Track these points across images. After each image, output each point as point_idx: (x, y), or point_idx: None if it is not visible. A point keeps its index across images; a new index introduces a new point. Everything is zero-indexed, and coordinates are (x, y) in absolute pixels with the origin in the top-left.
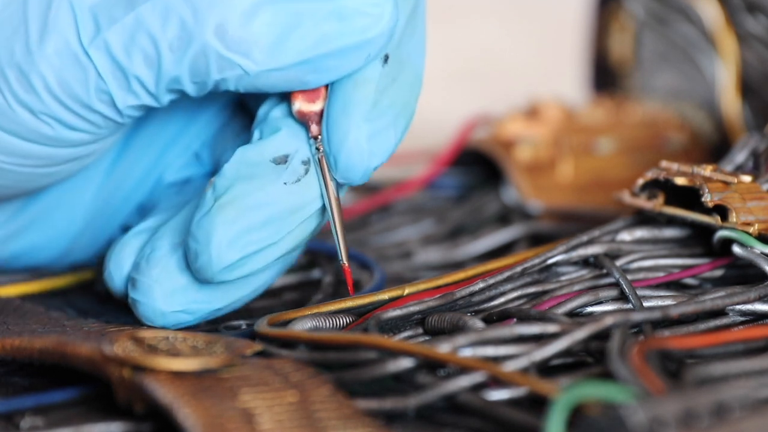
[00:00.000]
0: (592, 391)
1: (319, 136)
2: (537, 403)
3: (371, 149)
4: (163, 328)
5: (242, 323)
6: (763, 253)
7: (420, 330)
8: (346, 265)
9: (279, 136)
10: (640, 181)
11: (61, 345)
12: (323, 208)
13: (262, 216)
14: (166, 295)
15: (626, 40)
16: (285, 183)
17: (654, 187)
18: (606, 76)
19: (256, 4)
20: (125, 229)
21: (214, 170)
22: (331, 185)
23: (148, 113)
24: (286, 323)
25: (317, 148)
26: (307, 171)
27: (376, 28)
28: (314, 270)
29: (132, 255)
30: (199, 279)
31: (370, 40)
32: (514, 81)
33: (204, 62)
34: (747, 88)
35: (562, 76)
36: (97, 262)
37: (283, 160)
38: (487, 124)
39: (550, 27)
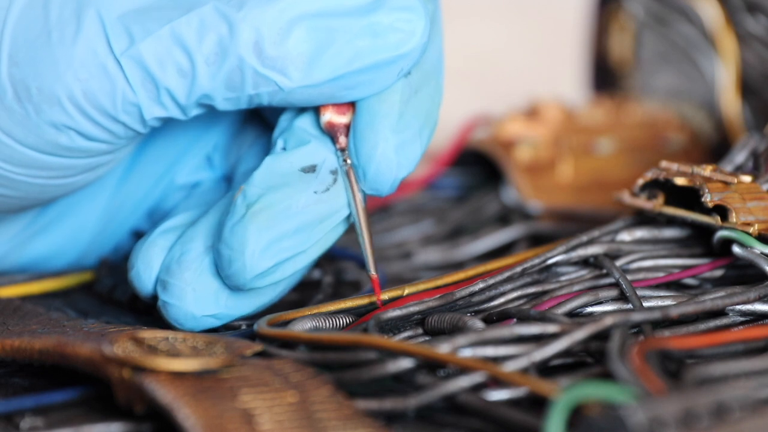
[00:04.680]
0: (592, 392)
1: (347, 148)
2: (537, 404)
3: (399, 160)
4: (190, 330)
5: (242, 323)
6: (763, 253)
7: (420, 330)
8: (375, 275)
9: (308, 146)
10: (640, 182)
11: (61, 346)
12: (349, 216)
13: (294, 224)
14: (199, 299)
15: (626, 40)
16: (315, 192)
17: (654, 187)
18: (606, 76)
19: (292, 21)
20: (135, 233)
21: (225, 175)
22: (359, 196)
23: (165, 122)
24: (286, 323)
25: (345, 160)
26: (335, 180)
27: (410, 43)
28: (314, 270)
29: (160, 254)
30: (230, 285)
31: (404, 56)
32: (514, 81)
33: (239, 77)
34: (747, 88)
35: (562, 76)
36: (99, 263)
37: (311, 170)
38: (487, 125)
39: (550, 27)
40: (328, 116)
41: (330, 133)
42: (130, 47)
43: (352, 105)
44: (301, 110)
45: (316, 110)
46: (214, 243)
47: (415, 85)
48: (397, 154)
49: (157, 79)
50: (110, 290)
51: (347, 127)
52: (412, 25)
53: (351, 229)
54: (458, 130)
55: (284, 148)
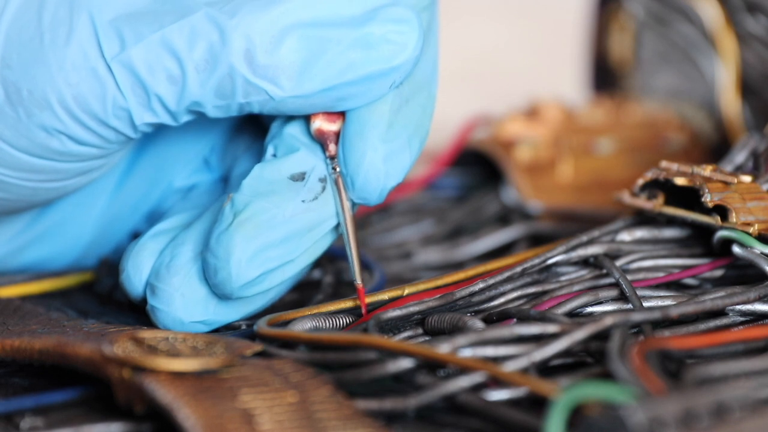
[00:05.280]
0: (592, 392)
1: (336, 156)
2: (537, 404)
3: (387, 170)
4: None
5: (242, 323)
6: (763, 253)
7: (420, 330)
8: (361, 285)
9: (297, 154)
10: (640, 182)
11: (60, 346)
12: (338, 225)
13: (281, 233)
14: (187, 305)
15: (626, 40)
16: (303, 200)
17: (654, 187)
18: (606, 76)
19: (284, 30)
20: (134, 235)
21: (222, 177)
22: (347, 205)
23: (161, 126)
24: (286, 323)
25: (334, 168)
26: (323, 188)
27: (402, 56)
28: (314, 270)
29: (151, 258)
30: (217, 294)
31: (396, 68)
32: (514, 81)
33: (230, 85)
34: (747, 88)
35: (562, 76)
36: (99, 263)
37: (300, 178)
38: (487, 125)
39: (550, 27)
40: (318, 123)
41: (320, 140)
42: (121, 52)
43: (342, 113)
44: (292, 117)
45: (307, 117)
46: (202, 251)
47: (406, 95)
48: (385, 164)
49: (147, 85)
50: (110, 290)
51: (337, 135)
52: (405, 38)
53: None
54: (458, 130)
55: (275, 155)
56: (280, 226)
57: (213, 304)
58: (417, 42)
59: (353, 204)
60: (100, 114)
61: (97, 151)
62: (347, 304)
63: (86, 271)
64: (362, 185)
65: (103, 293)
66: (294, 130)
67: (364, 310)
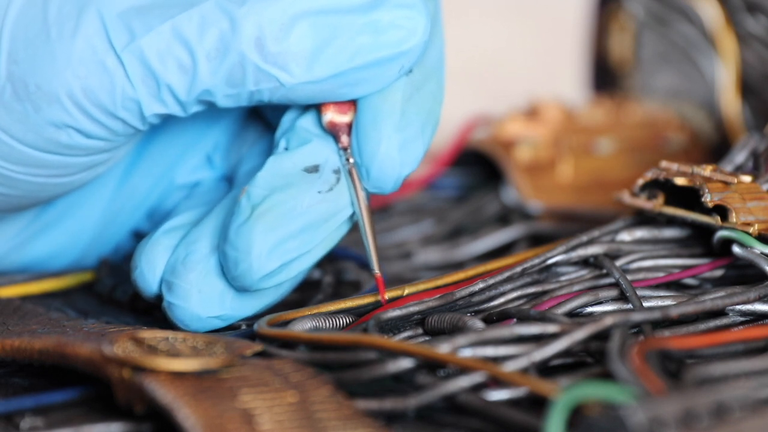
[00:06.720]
0: (592, 392)
1: (349, 147)
2: (537, 404)
3: (402, 159)
4: (195, 331)
5: (242, 323)
6: (762, 253)
7: (420, 330)
8: (378, 273)
9: (310, 146)
10: (640, 182)
11: (60, 346)
12: (352, 215)
13: (299, 224)
14: (204, 301)
15: (626, 40)
16: (319, 192)
17: (654, 187)
18: (606, 76)
19: (294, 17)
20: (135, 233)
21: (226, 175)
22: (362, 195)
23: (165, 121)
24: (286, 323)
25: (347, 159)
26: (338, 179)
27: (411, 41)
28: (314, 270)
29: (164, 254)
30: (236, 287)
31: (405, 53)
32: (514, 81)
33: (240, 73)
34: (747, 88)
35: (562, 76)
36: (99, 263)
37: (314, 170)
38: (487, 125)
39: (550, 27)
40: (330, 115)
41: (332, 132)
42: (131, 43)
43: (353, 104)
44: (304, 110)
45: (318, 110)
46: (220, 244)
47: (417, 83)
48: (400, 153)
49: (157, 75)
50: (110, 290)
51: (349, 126)
52: (413, 23)
53: (353, 228)
54: (458, 130)
55: (287, 148)
56: (298, 218)
57: (229, 298)
58: (425, 27)
59: (368, 193)
60: (109, 106)
61: (105, 144)
62: (347, 304)
63: (86, 271)
64: (378, 175)
65: (103, 293)
66: (306, 122)
67: (383, 300)
